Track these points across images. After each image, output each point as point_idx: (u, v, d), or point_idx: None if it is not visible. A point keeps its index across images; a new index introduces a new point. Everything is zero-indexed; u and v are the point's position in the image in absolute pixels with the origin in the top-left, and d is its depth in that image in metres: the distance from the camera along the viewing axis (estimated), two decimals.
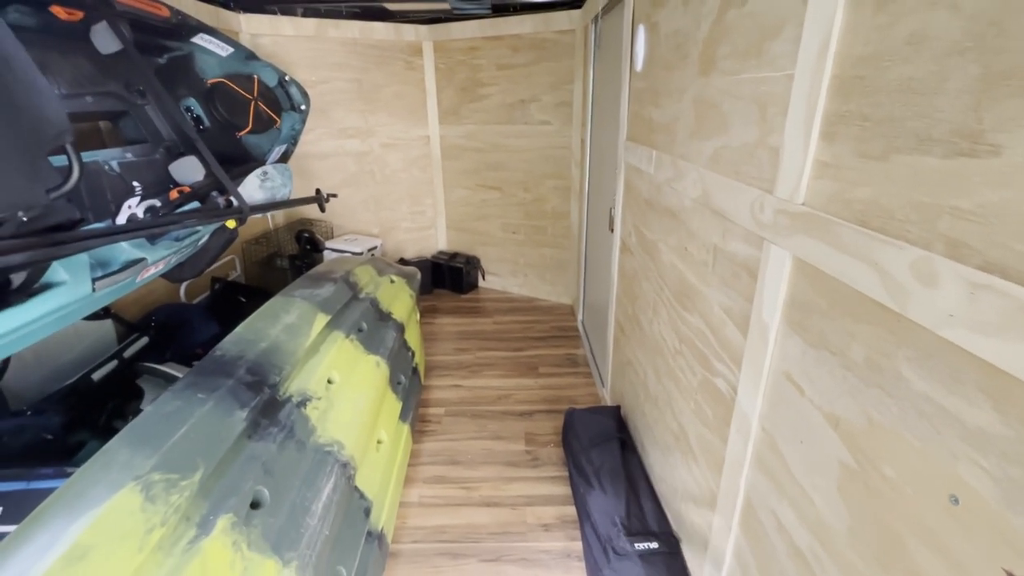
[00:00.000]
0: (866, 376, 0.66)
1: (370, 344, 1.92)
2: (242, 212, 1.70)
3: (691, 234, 1.27)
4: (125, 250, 1.31)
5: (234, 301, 2.54)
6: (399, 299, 2.41)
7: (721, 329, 1.11)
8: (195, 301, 2.45)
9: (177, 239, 1.55)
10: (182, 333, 2.16)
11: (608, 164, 2.38)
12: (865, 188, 0.66)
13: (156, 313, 2.13)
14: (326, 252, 3.23)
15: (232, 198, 1.69)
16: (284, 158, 2.26)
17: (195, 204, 1.59)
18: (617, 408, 2.04)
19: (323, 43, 3.21)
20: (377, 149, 3.60)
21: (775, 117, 0.87)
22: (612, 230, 2.23)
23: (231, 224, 1.70)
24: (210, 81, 2.02)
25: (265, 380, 1.34)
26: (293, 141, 2.35)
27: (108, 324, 1.87)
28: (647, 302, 1.70)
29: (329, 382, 1.61)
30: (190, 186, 1.62)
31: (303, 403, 1.42)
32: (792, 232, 0.81)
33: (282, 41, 3.08)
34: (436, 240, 4.07)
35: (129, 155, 1.62)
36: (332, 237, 3.46)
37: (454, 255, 3.92)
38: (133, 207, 1.46)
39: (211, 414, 1.15)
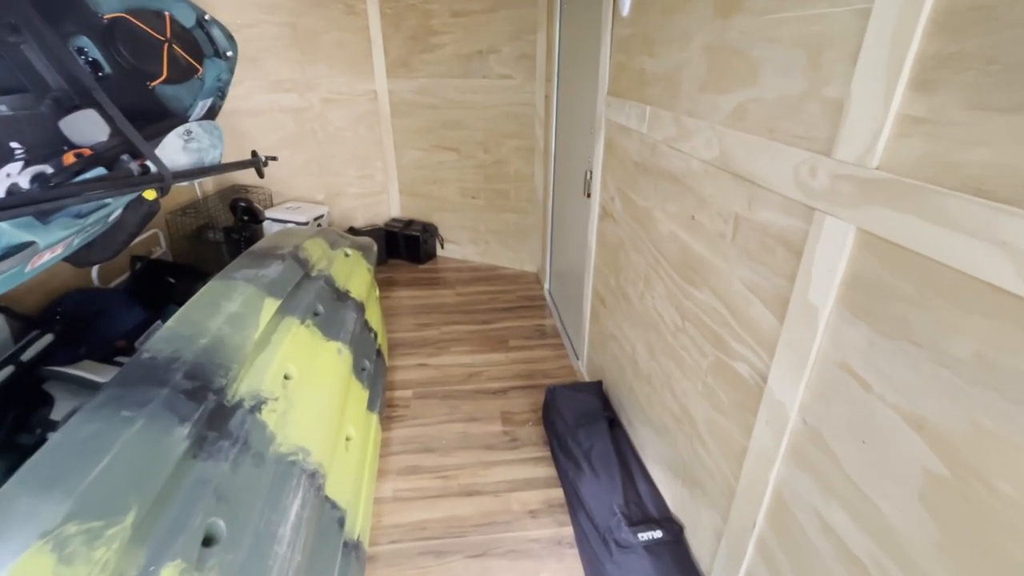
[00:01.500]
0: (973, 375, 0.56)
1: (329, 329, 1.70)
2: (163, 180, 1.41)
3: (701, 201, 1.14)
4: (6, 232, 1.02)
5: (160, 282, 2.21)
6: (356, 275, 2.18)
7: (744, 308, 1.00)
8: (112, 284, 2.10)
9: (79, 215, 1.24)
10: (98, 324, 1.84)
11: (582, 122, 2.21)
12: (982, 149, 0.54)
13: (62, 303, 1.79)
14: (267, 223, 2.89)
15: (149, 162, 1.39)
16: (211, 114, 1.92)
17: (100, 171, 1.28)
18: (599, 384, 1.95)
19: None
20: (317, 105, 3.22)
21: (834, 63, 0.73)
22: (588, 195, 2.08)
23: (150, 195, 1.40)
24: (107, 16, 1.64)
25: (209, 384, 1.12)
26: (220, 94, 2.00)
27: None
28: (636, 273, 1.58)
29: (286, 378, 1.39)
30: (91, 148, 1.30)
31: (257, 407, 1.21)
32: (860, 201, 0.68)
33: None
34: (388, 206, 3.78)
35: (3, 107, 1.27)
36: (272, 205, 3.11)
37: (409, 222, 3.66)
38: (13, 175, 1.14)
39: (142, 435, 0.93)
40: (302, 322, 1.59)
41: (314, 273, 1.92)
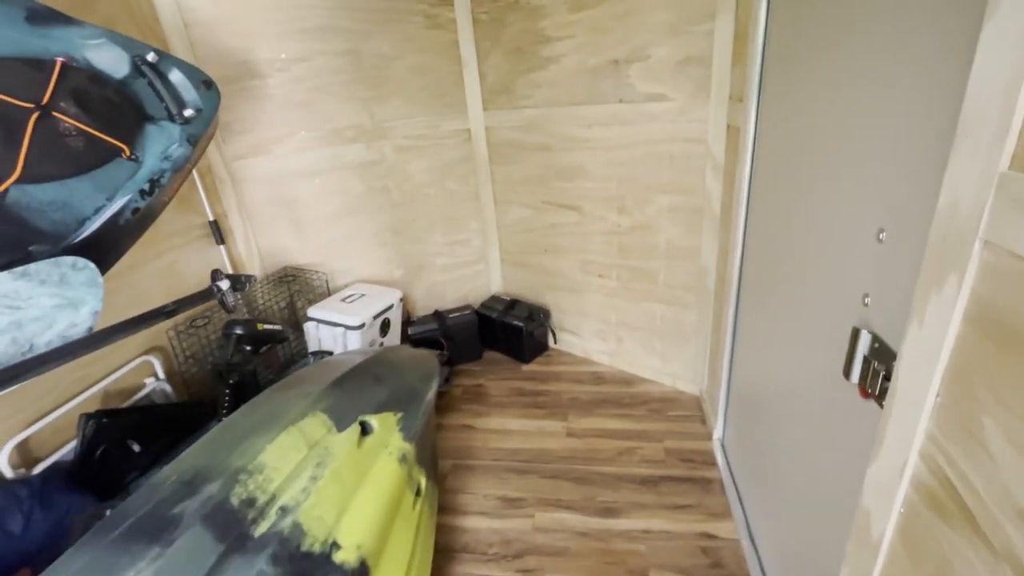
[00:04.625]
0: None
1: None
2: None
3: None
4: None
5: (123, 450, 1.51)
6: (369, 486, 1.22)
7: None
8: (49, 463, 1.44)
9: None
10: None
11: (848, 205, 0.96)
12: None
13: None
14: (310, 325, 2.13)
15: None
16: (111, 231, 1.11)
17: None
18: None
19: None
20: (391, 155, 2.40)
21: None
22: (872, 396, 0.83)
23: None
24: None
25: None
26: (150, 185, 1.20)
27: None
28: None
29: None
30: None
31: None
32: None
33: (227, 1, 1.94)
34: (487, 279, 2.83)
35: None
36: (328, 292, 2.36)
37: (512, 304, 2.66)
38: None
39: None
40: None
41: (261, 528, 0.99)
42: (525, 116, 2.28)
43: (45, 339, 0.88)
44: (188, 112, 1.29)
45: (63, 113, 1.06)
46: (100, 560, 0.81)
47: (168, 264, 1.88)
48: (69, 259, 0.94)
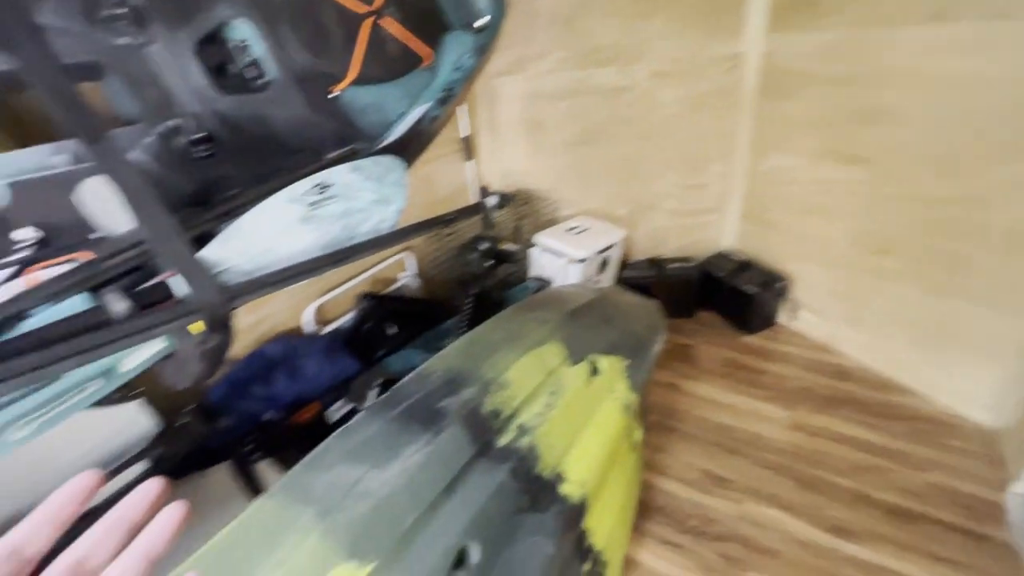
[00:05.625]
0: None
1: None
2: (200, 310, 0.73)
3: None
4: None
5: (382, 329, 1.77)
6: (595, 424, 1.20)
7: None
8: (335, 326, 1.76)
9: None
10: (275, 384, 1.49)
11: None
12: None
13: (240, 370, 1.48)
14: (534, 252, 2.16)
15: (187, 278, 0.73)
16: (416, 137, 1.18)
17: (73, 307, 0.69)
18: None
19: None
20: (643, 81, 2.19)
21: None
22: None
23: (196, 328, 0.76)
24: None
25: None
26: (446, 94, 1.23)
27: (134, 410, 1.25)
28: None
29: None
30: (97, 250, 0.72)
31: None
32: None
33: None
34: (717, 232, 2.52)
35: (57, 158, 0.80)
36: (555, 221, 2.36)
37: (744, 266, 2.34)
38: None
39: None
40: None
41: (503, 440, 1.04)
42: (826, 39, 1.82)
43: (363, 230, 1.00)
44: (480, 21, 1.28)
45: (390, 18, 1.13)
46: (386, 431, 0.93)
47: (426, 174, 2.06)
48: (386, 158, 1.04)
